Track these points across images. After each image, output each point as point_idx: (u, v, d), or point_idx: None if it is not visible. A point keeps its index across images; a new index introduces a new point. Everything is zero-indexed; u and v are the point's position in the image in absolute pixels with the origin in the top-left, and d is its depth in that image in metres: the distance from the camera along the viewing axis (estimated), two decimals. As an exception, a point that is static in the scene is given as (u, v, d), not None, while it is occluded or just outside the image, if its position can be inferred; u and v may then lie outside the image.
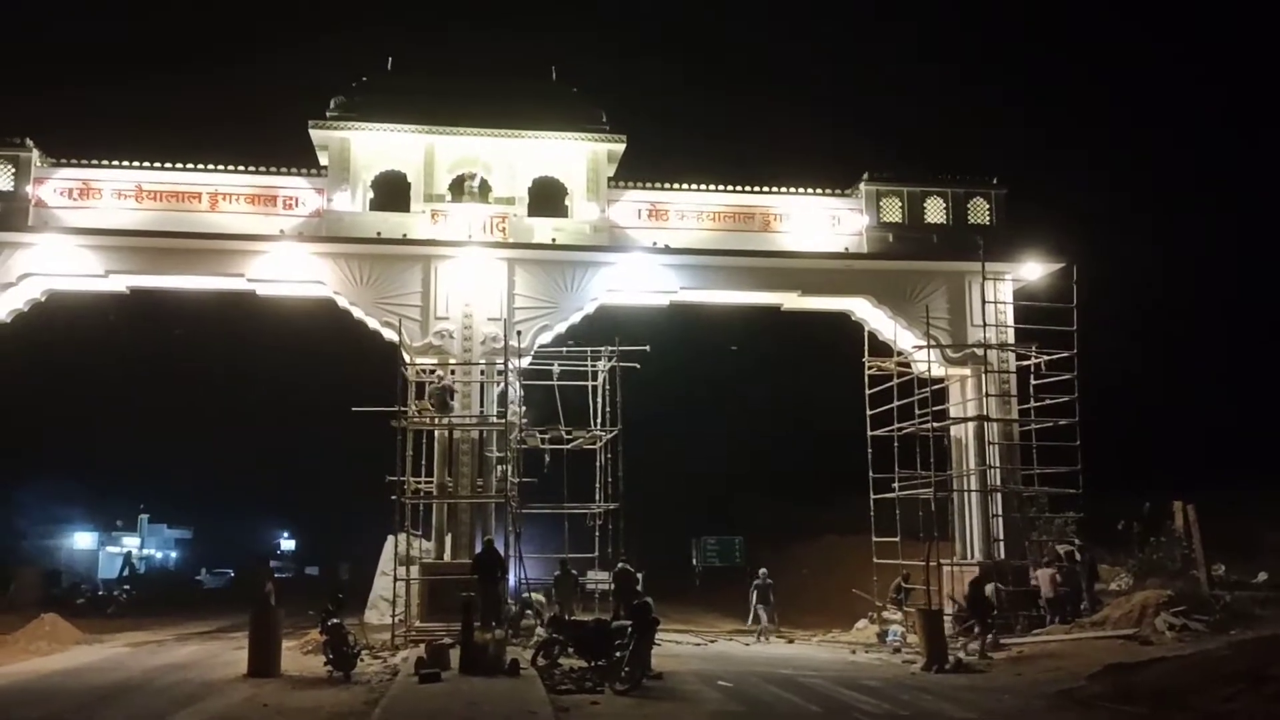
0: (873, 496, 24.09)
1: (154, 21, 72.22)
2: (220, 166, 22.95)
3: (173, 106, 65.58)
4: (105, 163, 22.79)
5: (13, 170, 22.20)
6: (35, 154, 22.35)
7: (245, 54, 74.26)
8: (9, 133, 22.45)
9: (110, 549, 60.09)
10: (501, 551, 20.59)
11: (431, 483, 22.69)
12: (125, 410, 55.76)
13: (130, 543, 61.64)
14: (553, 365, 24.36)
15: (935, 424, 23.10)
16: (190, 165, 22.89)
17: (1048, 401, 23.65)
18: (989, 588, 21.42)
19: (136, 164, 22.81)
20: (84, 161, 22.78)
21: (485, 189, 23.49)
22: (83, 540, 59.32)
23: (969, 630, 20.36)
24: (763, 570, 24.60)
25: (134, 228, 22.33)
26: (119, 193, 22.63)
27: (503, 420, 22.09)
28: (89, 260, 22.17)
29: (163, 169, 22.82)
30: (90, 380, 50.24)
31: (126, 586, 38.63)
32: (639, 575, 21.81)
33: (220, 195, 22.87)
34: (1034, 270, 24.42)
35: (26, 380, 42.18)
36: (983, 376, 23.90)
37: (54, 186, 22.46)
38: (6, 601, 28.44)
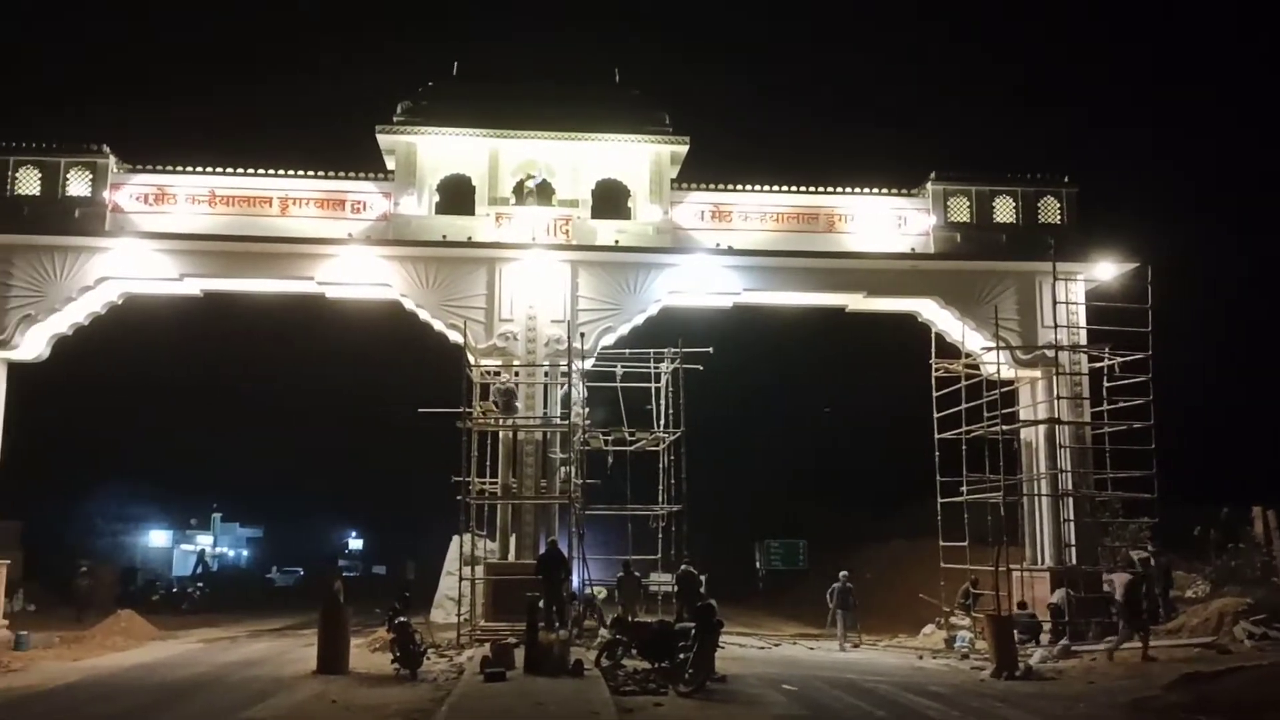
0: (940, 500, 23.73)
1: (224, 28, 73.78)
2: (290, 172, 23.32)
3: (243, 112, 66.99)
4: (179, 169, 23.28)
5: (90, 176, 22.77)
6: (112, 160, 22.91)
7: (313, 59, 75.52)
8: (87, 140, 23.01)
9: (184, 547, 61.52)
10: (565, 552, 20.67)
11: (496, 483, 22.84)
12: (199, 411, 56.97)
13: (204, 541, 62.95)
14: (616, 367, 24.37)
15: (1005, 427, 22.67)
16: (261, 171, 23.29)
17: (1121, 404, 23.11)
18: (1060, 594, 21.07)
19: (209, 170, 23.27)
20: (159, 167, 23.30)
21: (548, 191, 23.58)
22: (158, 538, 60.79)
23: (1058, 634, 20.02)
24: (843, 573, 23.82)
25: (207, 232, 22.79)
26: (193, 198, 23.11)
27: (566, 422, 22.19)
28: (164, 264, 22.65)
29: (235, 174, 23.25)
30: (165, 382, 51.38)
31: (200, 584, 39.51)
32: (702, 578, 21.74)
33: (290, 200, 23.26)
34: (1107, 270, 23.90)
35: (104, 381, 43.30)
36: (1054, 378, 23.44)
37: (130, 192, 23.00)
38: (85, 598, 29.15)
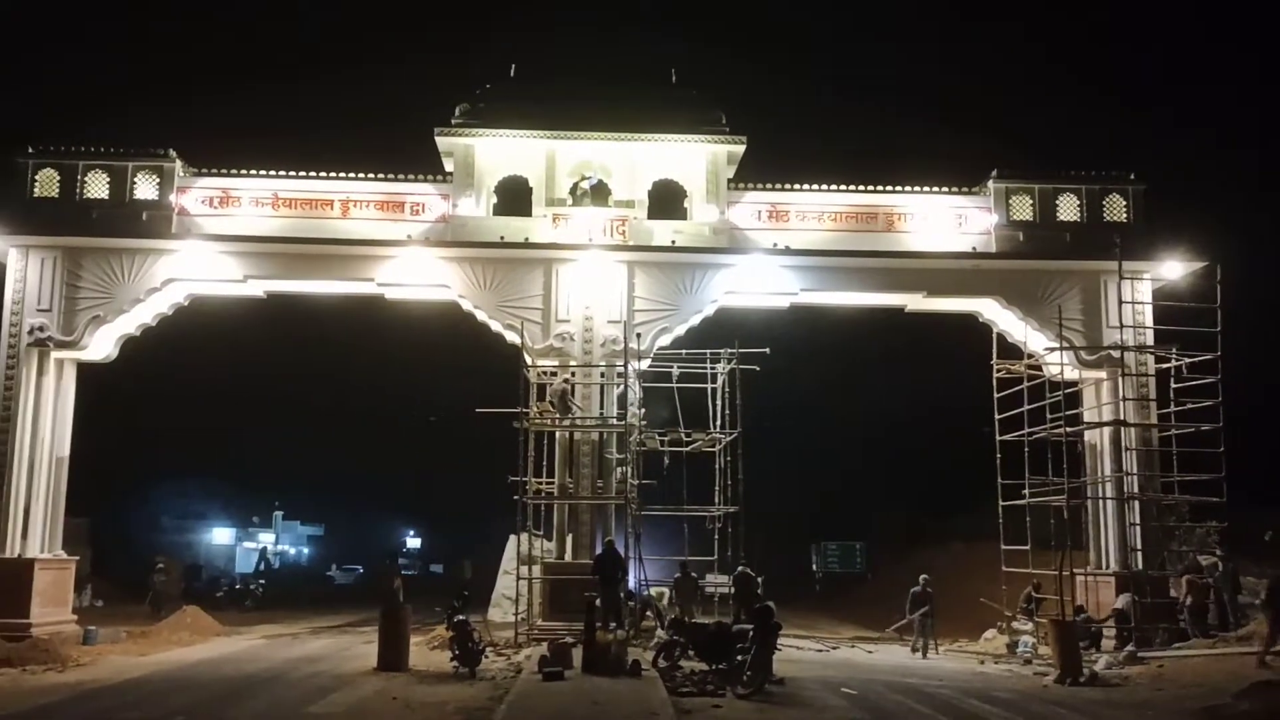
0: (1001, 503, 23.38)
1: (284, 29, 74.87)
2: (351, 174, 23.58)
3: (304, 114, 67.97)
4: (243, 172, 23.64)
5: (157, 180, 23.20)
6: (178, 164, 23.32)
7: (372, 61, 76.40)
8: (152, 143, 23.48)
9: (247, 544, 62.63)
10: (622, 552, 20.69)
11: (553, 483, 22.91)
12: (262, 411, 57.92)
13: (266, 538, 64.06)
14: (672, 368, 24.33)
15: (1069, 429, 22.28)
16: (323, 173, 23.58)
17: (1189, 406, 22.59)
18: (1126, 599, 20.67)
19: (272, 173, 23.60)
20: (224, 171, 23.67)
21: (604, 192, 23.60)
22: (221, 535, 61.93)
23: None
24: (923, 576, 22.95)
25: (270, 234, 23.11)
26: (256, 200, 23.47)
27: (622, 422, 22.19)
28: (228, 266, 23.02)
29: (297, 177, 23.55)
30: (228, 382, 52.30)
31: (262, 581, 40.12)
32: (759, 579, 21.64)
33: (351, 202, 23.53)
34: (1174, 269, 23.38)
35: (169, 382, 44.19)
36: (1119, 380, 22.97)
37: (196, 195, 23.41)
38: (160, 594, 29.75)
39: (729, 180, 23.95)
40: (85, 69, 66.93)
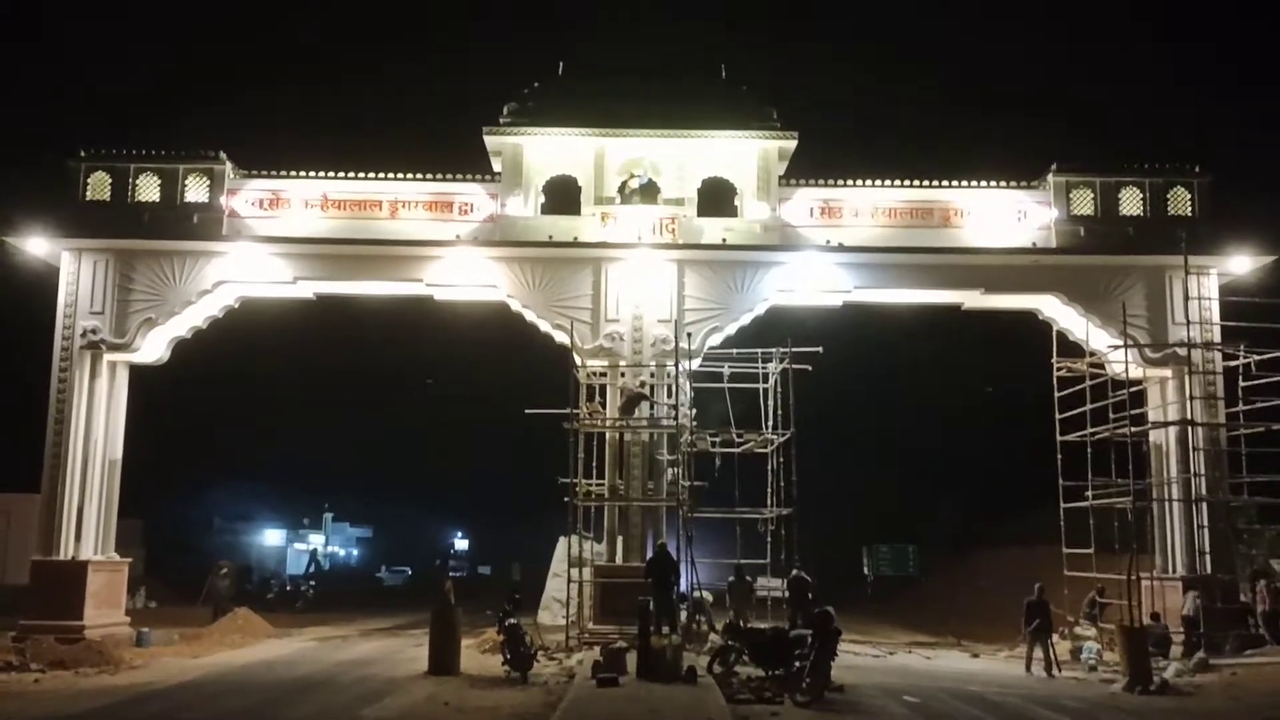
0: (1063, 505, 22.77)
1: (331, 28, 75.29)
2: (400, 175, 23.48)
3: (353, 112, 68.28)
4: (292, 174, 23.62)
5: (208, 183, 23.24)
6: (228, 166, 23.35)
7: (418, 59, 76.64)
8: (204, 145, 23.53)
9: (297, 546, 63.01)
10: (674, 555, 20.35)
11: (603, 485, 22.64)
12: (312, 412, 58.26)
13: (315, 540, 64.40)
14: (723, 367, 23.95)
15: (1133, 429, 21.62)
16: (372, 175, 23.51)
17: (1259, 405, 21.87)
18: (1195, 604, 20.00)
19: (322, 174, 23.55)
20: (273, 173, 23.66)
21: (653, 190, 23.30)
22: (272, 537, 62.39)
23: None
24: (1037, 585, 20.16)
25: (320, 236, 23.06)
26: (306, 202, 23.44)
27: (673, 423, 21.88)
28: (279, 267, 23.01)
29: (346, 179, 23.49)
30: (278, 383, 52.63)
31: (312, 582, 40.27)
32: (812, 582, 21.23)
33: (400, 203, 23.43)
34: (1242, 264, 22.68)
35: (220, 384, 44.53)
36: (1186, 378, 22.24)
37: (246, 197, 23.42)
38: (222, 598, 29.81)
39: (780, 176, 23.57)
40: (133, 71, 67.77)
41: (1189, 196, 23.17)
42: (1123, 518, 21.46)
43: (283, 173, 23.67)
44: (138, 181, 23.13)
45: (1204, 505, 21.88)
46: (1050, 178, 23.36)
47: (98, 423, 22.59)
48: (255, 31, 73.34)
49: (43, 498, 22.04)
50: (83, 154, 23.18)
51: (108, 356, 22.81)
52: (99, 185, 23.11)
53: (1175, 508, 22.45)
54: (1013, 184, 23.73)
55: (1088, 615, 21.76)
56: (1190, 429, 21.84)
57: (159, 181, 23.18)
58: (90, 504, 22.38)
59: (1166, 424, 22.55)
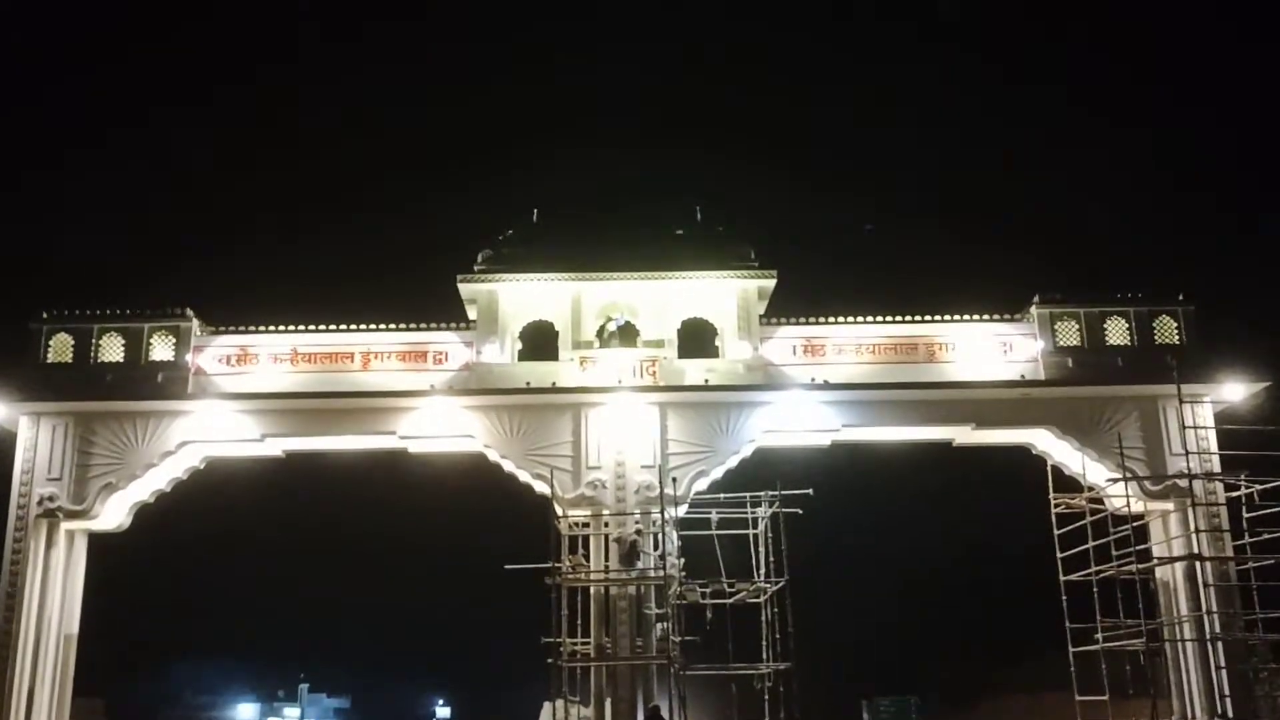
0: (1072, 649, 21.66)
1: (302, 182, 75.81)
2: (371, 325, 23.05)
3: (322, 260, 68.11)
4: (261, 328, 23.13)
5: (174, 341, 22.66)
6: (195, 324, 22.83)
7: (390, 207, 77.05)
8: (171, 303, 23.04)
9: (272, 720, 60.22)
10: (666, 718, 19.09)
11: (589, 643, 21.45)
12: (283, 575, 56.38)
13: (291, 714, 61.66)
14: (710, 513, 23.06)
15: (1139, 565, 20.75)
16: (343, 326, 23.05)
17: (1265, 536, 21.10)
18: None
19: (291, 328, 23.06)
20: (241, 328, 23.17)
21: (631, 333, 22.93)
22: (245, 712, 59.66)
23: None
24: None
25: (289, 390, 22.44)
26: (275, 357, 22.85)
27: (661, 574, 20.88)
28: (246, 425, 22.26)
29: (316, 331, 23.01)
30: (249, 546, 50.98)
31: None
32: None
33: (372, 354, 22.89)
34: (1235, 390, 22.26)
35: (188, 549, 43.04)
36: (1189, 510, 21.52)
37: (213, 354, 22.82)
38: None
39: (760, 315, 23.23)
40: (98, 230, 67.75)
41: (1175, 324, 22.92)
42: (1132, 660, 20.46)
43: (251, 328, 23.16)
44: (101, 342, 22.54)
45: (1219, 644, 20.85)
46: (1034, 309, 23.11)
47: (53, 596, 21.45)
48: (222, 185, 73.82)
49: (-10, 679, 20.62)
50: (45, 315, 22.65)
51: (65, 525, 21.82)
52: (60, 347, 22.50)
53: (1188, 648, 21.43)
54: (996, 316, 23.45)
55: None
56: (1198, 564, 20.99)
57: (123, 341, 22.60)
58: (43, 685, 21.07)
59: (1173, 559, 21.69)
